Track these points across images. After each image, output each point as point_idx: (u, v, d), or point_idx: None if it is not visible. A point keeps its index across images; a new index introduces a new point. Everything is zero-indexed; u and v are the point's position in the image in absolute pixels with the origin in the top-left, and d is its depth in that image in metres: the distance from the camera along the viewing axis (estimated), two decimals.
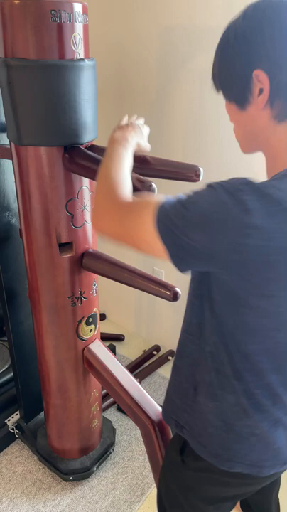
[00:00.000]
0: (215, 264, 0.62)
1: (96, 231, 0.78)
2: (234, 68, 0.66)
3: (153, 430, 1.15)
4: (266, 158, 0.71)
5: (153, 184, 0.87)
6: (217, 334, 0.73)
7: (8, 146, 1.10)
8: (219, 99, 1.74)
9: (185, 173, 0.97)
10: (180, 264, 0.64)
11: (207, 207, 0.60)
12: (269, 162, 0.71)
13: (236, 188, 0.58)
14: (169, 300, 1.03)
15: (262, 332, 0.69)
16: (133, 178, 0.84)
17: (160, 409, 1.20)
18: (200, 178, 0.96)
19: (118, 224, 0.72)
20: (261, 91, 0.64)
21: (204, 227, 0.59)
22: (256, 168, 1.56)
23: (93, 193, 0.96)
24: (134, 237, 0.69)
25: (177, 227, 0.61)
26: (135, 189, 0.87)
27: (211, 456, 0.80)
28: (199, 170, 0.95)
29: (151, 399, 1.22)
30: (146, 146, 0.96)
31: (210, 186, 0.62)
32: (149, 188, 0.84)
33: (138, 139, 0.93)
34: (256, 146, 0.72)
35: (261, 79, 0.63)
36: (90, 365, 1.31)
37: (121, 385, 1.22)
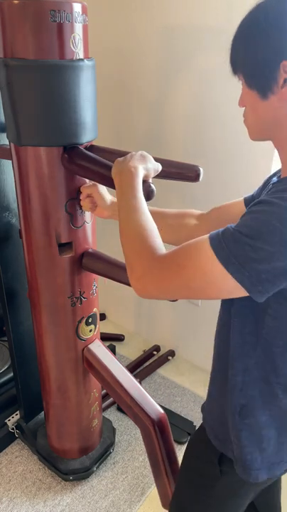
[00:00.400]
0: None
1: (147, 297, 0.70)
2: (261, 55, 0.63)
3: (153, 430, 1.15)
4: (279, 150, 0.70)
5: (151, 185, 0.87)
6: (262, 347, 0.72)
7: (8, 147, 1.10)
8: (219, 99, 1.74)
9: (185, 173, 0.97)
10: (262, 297, 0.61)
11: (281, 229, 0.56)
12: (283, 154, 0.69)
13: None
14: (168, 300, 1.03)
15: None
16: None
17: (160, 408, 1.20)
18: (200, 178, 0.96)
19: (168, 282, 0.65)
20: (285, 81, 0.62)
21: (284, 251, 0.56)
22: (256, 168, 1.57)
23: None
24: (195, 287, 0.64)
25: (255, 261, 0.57)
26: None
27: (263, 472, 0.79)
28: (199, 170, 0.95)
29: (151, 399, 1.22)
30: (156, 166, 0.85)
31: (268, 203, 0.59)
32: (148, 189, 0.84)
33: (143, 164, 0.81)
34: (268, 136, 0.71)
35: None
36: (90, 365, 1.31)
37: (120, 385, 1.22)
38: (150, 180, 0.84)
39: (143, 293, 0.69)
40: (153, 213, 0.78)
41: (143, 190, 0.79)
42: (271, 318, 0.69)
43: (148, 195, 0.80)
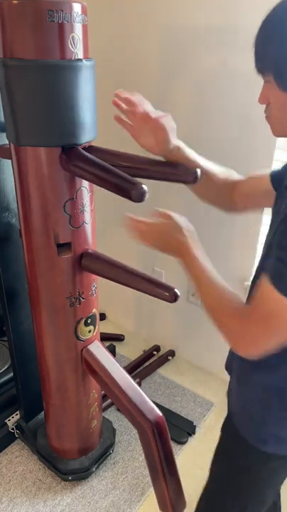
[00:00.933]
0: None
1: (250, 355, 0.73)
2: None
3: (150, 433, 1.14)
4: None
5: (143, 186, 0.87)
6: None
7: (8, 146, 1.10)
8: (220, 99, 1.73)
9: (183, 175, 0.97)
10: None
11: None
12: None
13: None
14: (168, 301, 1.02)
15: None
16: (123, 179, 0.86)
17: (158, 411, 1.19)
18: (198, 181, 0.96)
19: (266, 338, 0.68)
20: None
21: None
22: (257, 167, 1.56)
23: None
24: (281, 331, 0.66)
25: None
26: (124, 191, 0.88)
27: None
28: (197, 172, 0.95)
29: (149, 401, 1.21)
30: (185, 224, 0.86)
31: None
32: (140, 190, 0.85)
33: (188, 235, 0.83)
34: None
35: None
36: (89, 366, 1.30)
37: (118, 387, 1.22)
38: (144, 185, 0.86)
39: (248, 356, 0.73)
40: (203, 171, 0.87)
41: (136, 192, 0.83)
42: None
43: (141, 196, 0.85)
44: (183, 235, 0.82)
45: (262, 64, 0.68)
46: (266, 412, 0.82)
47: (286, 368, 0.77)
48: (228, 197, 1.00)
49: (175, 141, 0.95)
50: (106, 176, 0.94)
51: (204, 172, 0.94)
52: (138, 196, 0.87)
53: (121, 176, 0.91)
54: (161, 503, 1.27)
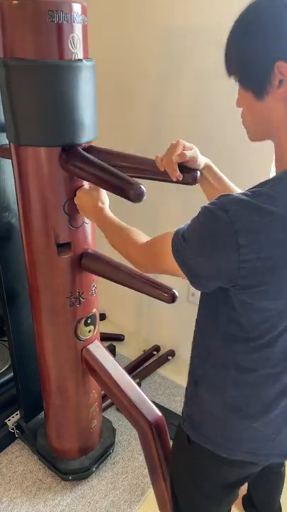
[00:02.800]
0: (222, 282, 0.68)
1: (145, 272, 0.95)
2: (254, 56, 0.64)
3: (150, 432, 1.15)
4: (275, 148, 0.71)
5: (141, 186, 0.88)
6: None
7: (8, 146, 1.10)
8: (220, 99, 1.73)
9: (183, 175, 0.97)
10: (196, 286, 0.73)
11: (201, 234, 0.67)
12: (277, 154, 0.70)
13: (224, 209, 0.62)
14: (167, 302, 1.03)
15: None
16: (124, 180, 0.88)
17: (157, 411, 1.19)
18: (198, 182, 0.96)
19: (151, 262, 0.84)
20: (281, 82, 0.62)
21: (204, 254, 0.67)
22: (257, 167, 1.56)
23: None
24: (163, 267, 0.78)
25: (186, 258, 0.70)
26: (122, 191, 0.89)
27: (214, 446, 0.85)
28: (196, 173, 0.95)
29: (149, 401, 1.21)
30: (105, 198, 1.05)
31: (201, 211, 0.66)
32: (138, 190, 0.85)
33: (102, 203, 1.03)
34: (266, 136, 0.71)
35: (282, 71, 0.61)
36: (88, 366, 1.31)
37: (118, 387, 1.22)
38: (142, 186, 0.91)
39: (142, 271, 0.93)
40: (222, 186, 0.98)
41: (133, 192, 0.89)
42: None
43: (138, 196, 0.89)
44: (95, 201, 1.03)
45: (228, 66, 0.70)
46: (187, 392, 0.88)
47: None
48: None
49: (204, 159, 0.99)
50: (105, 176, 0.94)
51: (221, 184, 1.00)
52: (136, 196, 0.88)
53: (119, 176, 0.92)
54: (161, 503, 1.27)
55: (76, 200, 1.07)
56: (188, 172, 0.95)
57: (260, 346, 0.72)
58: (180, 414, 1.83)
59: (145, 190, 0.88)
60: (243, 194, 0.63)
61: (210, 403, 0.82)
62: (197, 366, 0.85)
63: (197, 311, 0.84)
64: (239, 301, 0.69)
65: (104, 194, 1.06)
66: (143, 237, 0.90)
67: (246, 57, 0.65)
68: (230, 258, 0.62)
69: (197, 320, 0.84)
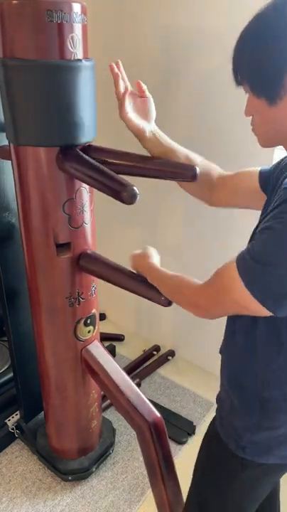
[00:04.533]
0: None
1: (213, 318, 0.83)
2: (268, 61, 0.64)
3: (149, 434, 1.14)
4: None
5: (134, 188, 0.87)
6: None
7: (7, 148, 1.10)
8: (220, 100, 1.73)
9: (182, 173, 0.97)
10: (278, 309, 0.67)
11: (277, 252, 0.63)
12: None
13: None
14: (163, 305, 1.03)
15: None
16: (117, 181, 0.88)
17: (156, 412, 1.18)
18: (197, 179, 0.96)
19: (215, 307, 0.78)
20: None
21: None
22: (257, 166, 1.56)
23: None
24: (231, 301, 0.72)
25: (271, 285, 0.65)
26: (115, 193, 0.88)
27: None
28: (195, 170, 0.95)
29: (148, 401, 1.20)
30: (155, 255, 1.05)
31: (271, 229, 0.64)
32: (131, 192, 0.84)
33: (152, 260, 1.02)
34: (279, 142, 0.72)
35: None
36: (88, 367, 1.30)
37: (117, 387, 1.21)
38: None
39: (207, 318, 0.83)
40: (185, 159, 0.97)
41: (126, 194, 0.87)
42: None
43: (131, 198, 0.87)
44: (146, 259, 1.02)
45: (238, 75, 0.70)
46: (246, 419, 0.82)
47: (268, 375, 0.78)
48: (209, 189, 1.01)
49: (153, 125, 1.04)
50: (98, 177, 0.93)
51: (184, 160, 0.99)
52: (128, 198, 0.87)
53: (112, 177, 0.91)
54: (160, 505, 1.27)
55: (132, 265, 1.08)
56: (187, 169, 0.94)
57: None
58: (180, 414, 1.83)
59: (138, 192, 0.87)
60: None
61: (284, 423, 0.80)
62: (260, 391, 0.81)
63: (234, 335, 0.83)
64: None
65: (152, 251, 1.06)
66: (196, 280, 0.84)
67: (258, 63, 0.65)
68: None
69: (244, 342, 0.81)
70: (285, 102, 0.65)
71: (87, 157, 0.98)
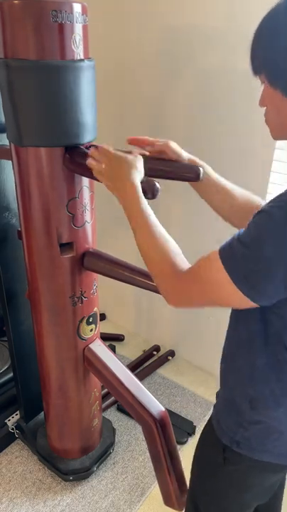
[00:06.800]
0: None
1: (180, 308, 0.78)
2: (285, 53, 0.63)
3: (155, 427, 1.16)
4: None
5: (156, 183, 0.87)
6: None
7: (8, 147, 1.10)
8: (220, 100, 1.73)
9: (185, 173, 0.97)
10: (259, 298, 0.65)
11: (270, 241, 0.60)
12: None
13: None
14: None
15: None
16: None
17: (161, 406, 1.20)
18: (201, 179, 0.96)
19: (191, 295, 0.73)
20: None
21: (278, 262, 0.60)
22: (257, 167, 1.57)
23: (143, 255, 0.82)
24: (213, 297, 0.70)
25: (253, 272, 0.62)
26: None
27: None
28: (199, 170, 0.95)
29: (152, 397, 1.23)
30: (139, 163, 0.87)
31: (265, 212, 0.62)
32: (153, 188, 0.84)
33: (134, 170, 0.84)
34: None
35: None
36: (91, 365, 1.31)
37: (122, 384, 1.22)
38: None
39: (173, 306, 0.76)
40: (223, 191, 0.91)
41: (149, 190, 0.82)
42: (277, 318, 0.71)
43: (153, 194, 0.84)
44: (135, 177, 0.83)
45: (255, 65, 0.70)
46: (239, 415, 0.82)
47: (254, 372, 0.78)
48: (244, 218, 0.98)
49: (187, 155, 0.97)
50: None
51: (223, 190, 0.94)
52: (151, 194, 0.86)
53: None
54: (165, 497, 1.28)
55: (105, 176, 0.86)
56: (191, 168, 0.94)
57: None
58: (180, 414, 1.83)
59: (159, 187, 0.85)
60: None
61: (275, 419, 0.79)
62: (247, 387, 0.80)
63: (228, 329, 0.81)
64: None
65: (139, 163, 0.86)
66: (184, 264, 0.75)
67: (276, 55, 0.65)
68: None
69: (231, 338, 0.81)
70: None
71: None
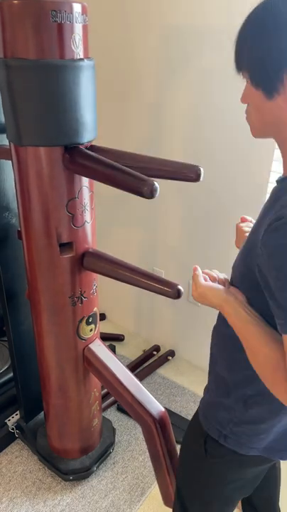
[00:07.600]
0: None
1: None
2: (268, 56, 0.62)
3: (154, 427, 1.16)
4: (281, 148, 0.71)
5: (155, 183, 0.87)
6: None
7: (8, 147, 1.10)
8: (219, 99, 1.73)
9: (186, 173, 0.97)
10: None
11: None
12: (284, 153, 0.70)
13: None
14: (172, 297, 1.02)
15: None
16: (135, 177, 0.85)
17: (160, 406, 1.20)
18: (201, 179, 0.96)
19: None
20: None
21: None
22: (257, 168, 1.57)
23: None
24: None
25: None
26: (135, 188, 0.88)
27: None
28: (199, 170, 0.95)
29: (152, 397, 1.23)
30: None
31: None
32: (151, 188, 0.84)
33: (218, 294, 0.77)
34: (271, 134, 0.71)
35: None
36: (91, 365, 1.31)
37: (122, 384, 1.23)
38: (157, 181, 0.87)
39: None
40: None
41: (147, 189, 0.83)
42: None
43: (152, 193, 0.84)
44: (225, 298, 0.77)
45: (238, 63, 0.69)
46: (231, 412, 0.83)
47: (239, 373, 0.79)
48: None
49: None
50: (115, 173, 0.93)
51: None
52: (149, 193, 0.86)
53: (130, 173, 0.90)
54: (165, 497, 1.28)
55: (198, 296, 0.82)
56: (191, 168, 0.94)
57: None
58: (180, 414, 1.83)
59: (158, 186, 0.86)
60: None
61: (267, 417, 0.80)
62: (242, 387, 0.80)
63: (216, 327, 0.81)
64: None
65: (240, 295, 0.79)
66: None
67: (259, 56, 0.64)
68: None
69: (222, 336, 0.81)
70: (282, 97, 0.64)
71: (97, 155, 0.98)
